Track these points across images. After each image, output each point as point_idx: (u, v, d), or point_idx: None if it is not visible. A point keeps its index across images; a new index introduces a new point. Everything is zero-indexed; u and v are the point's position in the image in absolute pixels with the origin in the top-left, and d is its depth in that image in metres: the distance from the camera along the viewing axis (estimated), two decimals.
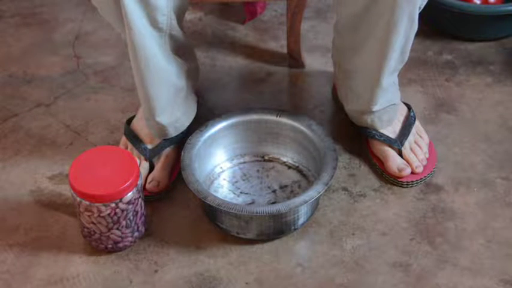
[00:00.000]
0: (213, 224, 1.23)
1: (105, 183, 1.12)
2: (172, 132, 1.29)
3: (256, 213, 1.14)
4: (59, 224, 1.25)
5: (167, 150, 1.31)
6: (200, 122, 1.33)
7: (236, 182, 1.30)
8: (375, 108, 1.27)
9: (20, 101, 1.51)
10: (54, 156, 1.37)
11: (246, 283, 1.15)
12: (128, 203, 1.13)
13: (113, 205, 1.12)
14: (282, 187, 1.29)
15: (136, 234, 1.18)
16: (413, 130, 1.34)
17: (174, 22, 1.19)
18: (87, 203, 1.12)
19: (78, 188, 1.12)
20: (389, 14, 1.14)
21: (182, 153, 1.25)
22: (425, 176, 1.30)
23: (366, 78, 1.26)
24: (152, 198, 1.27)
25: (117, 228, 1.15)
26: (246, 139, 1.33)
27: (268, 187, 1.29)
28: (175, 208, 1.27)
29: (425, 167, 1.31)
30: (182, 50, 1.26)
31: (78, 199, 1.13)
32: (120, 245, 1.18)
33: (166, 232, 1.23)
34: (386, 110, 1.30)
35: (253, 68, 1.59)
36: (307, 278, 1.15)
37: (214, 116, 1.33)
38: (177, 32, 1.21)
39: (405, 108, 1.36)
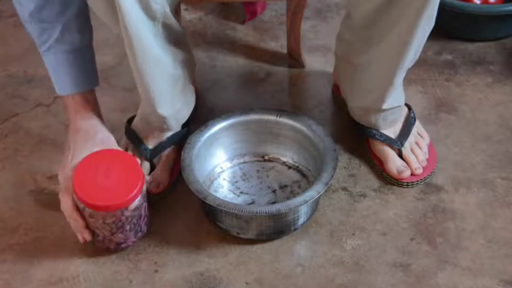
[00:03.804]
0: (213, 224, 1.23)
1: (111, 192, 1.11)
2: (174, 125, 1.29)
3: (256, 213, 1.14)
4: (59, 224, 1.24)
5: (167, 151, 1.30)
6: (200, 122, 1.33)
7: (236, 182, 1.30)
8: (384, 106, 1.26)
9: (20, 101, 1.51)
10: (54, 156, 1.37)
11: (246, 283, 1.15)
12: (134, 210, 1.13)
13: (119, 213, 1.12)
14: (282, 187, 1.29)
15: (139, 234, 1.18)
16: (413, 130, 1.33)
17: (168, 11, 1.18)
18: (92, 210, 1.11)
19: (82, 197, 1.10)
20: (415, 10, 1.11)
21: (182, 153, 1.25)
22: (425, 177, 1.30)
23: (379, 74, 1.24)
24: (152, 199, 1.27)
25: (121, 232, 1.15)
26: (246, 139, 1.33)
27: (268, 187, 1.29)
28: (176, 208, 1.27)
29: (425, 167, 1.31)
30: (176, 39, 1.24)
31: (82, 205, 1.12)
32: (123, 245, 1.18)
33: (166, 232, 1.23)
34: (393, 111, 1.29)
35: (253, 68, 1.59)
36: (307, 278, 1.15)
37: (214, 116, 1.33)
38: (170, 21, 1.20)
39: (405, 109, 1.36)
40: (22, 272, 1.17)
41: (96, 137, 1.20)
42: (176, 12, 1.36)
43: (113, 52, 1.61)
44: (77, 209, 1.14)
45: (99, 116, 1.24)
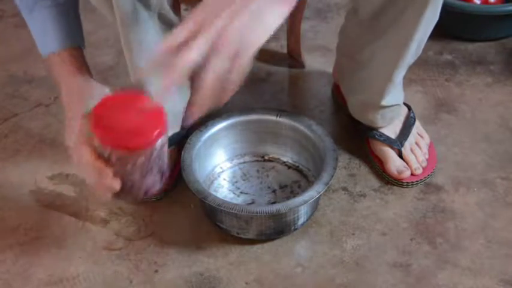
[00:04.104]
0: (213, 224, 1.23)
1: (137, 130, 1.01)
2: (171, 119, 1.28)
3: (256, 213, 1.14)
4: (59, 224, 1.25)
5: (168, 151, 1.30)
6: (200, 122, 1.33)
7: (236, 182, 1.31)
8: (383, 102, 1.26)
9: (20, 101, 1.51)
10: (54, 156, 1.37)
11: (246, 283, 1.15)
12: (161, 147, 1.05)
13: (149, 151, 1.03)
14: (282, 187, 1.29)
15: (163, 178, 1.11)
16: (413, 130, 1.34)
17: (164, 2, 1.17)
18: (121, 153, 1.02)
19: (110, 140, 1.01)
20: (420, 2, 1.12)
21: (182, 153, 1.25)
22: (425, 177, 1.30)
23: (380, 69, 1.24)
24: (152, 199, 1.27)
25: (150, 175, 1.07)
26: (246, 139, 1.33)
27: (268, 187, 1.29)
28: (175, 208, 1.27)
29: (425, 167, 1.31)
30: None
31: (109, 150, 1.02)
32: (151, 191, 1.10)
33: (166, 232, 1.23)
34: (391, 109, 1.29)
35: (253, 68, 1.58)
36: (307, 278, 1.15)
37: (214, 116, 1.33)
38: (167, 12, 1.19)
39: (405, 109, 1.36)
40: (22, 272, 1.17)
41: (94, 94, 1.11)
42: (176, 10, 1.36)
43: (112, 52, 1.61)
44: (100, 157, 1.04)
45: (90, 75, 1.17)
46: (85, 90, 1.11)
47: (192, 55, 0.87)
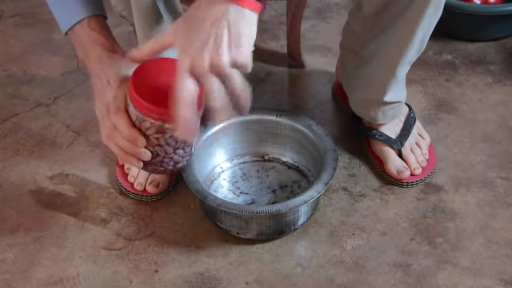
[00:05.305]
0: (213, 224, 1.23)
1: None
2: None
3: (256, 213, 1.14)
4: (59, 224, 1.25)
5: None
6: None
7: (236, 182, 1.31)
8: (385, 98, 1.26)
9: (20, 101, 1.51)
10: (54, 156, 1.37)
11: (246, 283, 1.15)
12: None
13: None
14: (282, 187, 1.29)
15: (192, 151, 1.10)
16: (414, 131, 1.33)
17: None
18: (160, 123, 1.00)
19: (155, 110, 0.98)
20: None
21: None
22: (425, 177, 1.30)
23: (383, 64, 1.24)
24: (152, 199, 1.27)
25: (182, 148, 1.06)
26: (246, 139, 1.33)
27: (268, 187, 1.29)
28: (176, 208, 1.27)
29: (425, 167, 1.31)
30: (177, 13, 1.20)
31: (150, 121, 1.00)
32: (179, 165, 1.09)
33: (166, 232, 1.23)
34: (393, 106, 1.29)
35: (253, 68, 1.58)
36: (307, 278, 1.15)
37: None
38: None
39: (406, 109, 1.36)
40: (22, 272, 1.17)
41: (127, 63, 1.07)
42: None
43: None
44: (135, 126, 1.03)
45: (118, 45, 1.13)
46: (117, 58, 1.09)
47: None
